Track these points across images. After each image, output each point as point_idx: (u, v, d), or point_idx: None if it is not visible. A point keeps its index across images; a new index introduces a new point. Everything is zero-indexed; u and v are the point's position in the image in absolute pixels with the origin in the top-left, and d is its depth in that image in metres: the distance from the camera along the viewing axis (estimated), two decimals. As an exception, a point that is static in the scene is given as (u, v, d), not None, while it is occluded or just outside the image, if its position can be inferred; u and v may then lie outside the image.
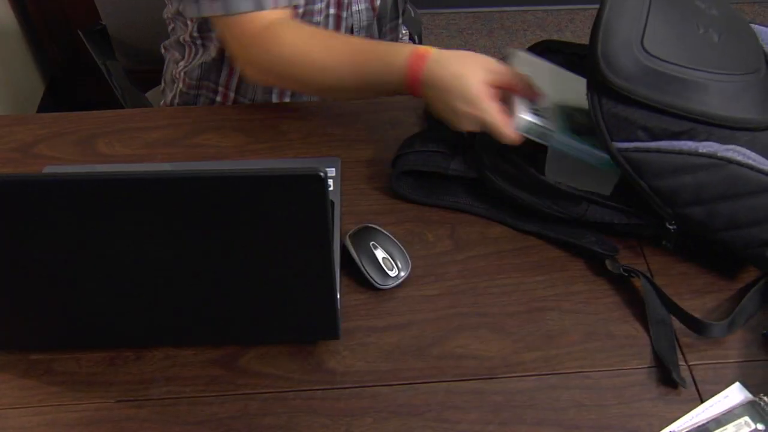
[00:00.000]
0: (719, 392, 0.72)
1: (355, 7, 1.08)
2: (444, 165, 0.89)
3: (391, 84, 0.88)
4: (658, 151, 0.76)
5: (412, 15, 1.38)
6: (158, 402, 0.72)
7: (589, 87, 0.77)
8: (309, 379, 0.74)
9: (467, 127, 0.85)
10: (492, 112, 0.82)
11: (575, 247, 0.84)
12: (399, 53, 0.87)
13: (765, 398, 0.71)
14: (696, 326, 0.77)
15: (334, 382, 0.74)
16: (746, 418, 0.70)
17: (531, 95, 0.85)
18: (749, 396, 0.72)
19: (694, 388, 0.73)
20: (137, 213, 0.62)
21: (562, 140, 0.82)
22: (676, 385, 0.73)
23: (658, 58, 0.74)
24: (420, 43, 1.39)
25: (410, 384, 0.74)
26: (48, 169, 0.93)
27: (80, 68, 2.06)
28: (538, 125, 0.82)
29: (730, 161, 0.75)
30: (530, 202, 0.85)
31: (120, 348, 0.76)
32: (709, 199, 0.77)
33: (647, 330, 0.78)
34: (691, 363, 0.75)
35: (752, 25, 0.88)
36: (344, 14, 1.07)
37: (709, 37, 0.78)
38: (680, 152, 0.75)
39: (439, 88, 0.84)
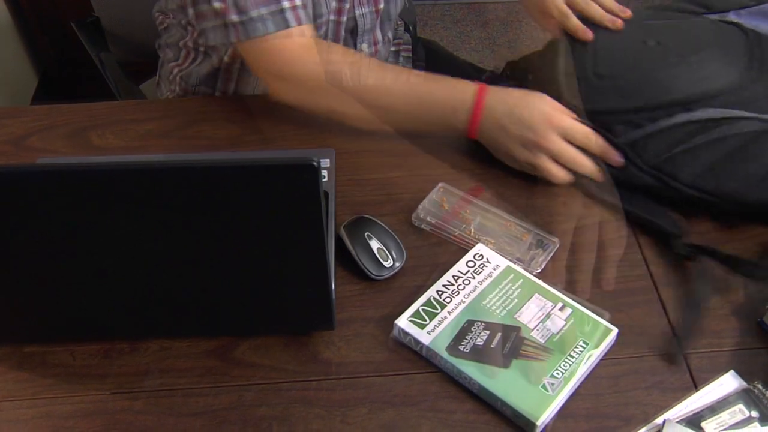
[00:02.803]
0: (714, 380, 0.73)
1: (358, 11, 1.06)
2: None
3: (452, 106, 0.89)
4: (646, 136, 0.86)
5: (406, 5, 1.37)
6: (153, 394, 0.72)
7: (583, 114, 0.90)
8: (304, 370, 0.74)
9: (521, 155, 0.88)
10: (558, 143, 0.86)
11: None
12: (464, 81, 0.89)
13: (759, 386, 0.71)
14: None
15: (329, 373, 0.74)
16: (740, 406, 0.70)
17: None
18: (743, 384, 0.72)
19: (688, 376, 0.74)
20: (130, 203, 0.62)
21: None
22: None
23: (610, 77, 0.89)
24: (415, 32, 1.38)
25: (405, 374, 0.74)
26: (41, 162, 0.93)
27: (73, 61, 2.05)
28: None
29: (708, 120, 0.85)
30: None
31: (114, 340, 0.76)
32: (713, 163, 0.84)
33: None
34: (686, 351, 0.76)
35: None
36: (344, 19, 1.06)
37: (657, 44, 0.92)
38: (661, 130, 0.86)
39: (504, 107, 0.87)
